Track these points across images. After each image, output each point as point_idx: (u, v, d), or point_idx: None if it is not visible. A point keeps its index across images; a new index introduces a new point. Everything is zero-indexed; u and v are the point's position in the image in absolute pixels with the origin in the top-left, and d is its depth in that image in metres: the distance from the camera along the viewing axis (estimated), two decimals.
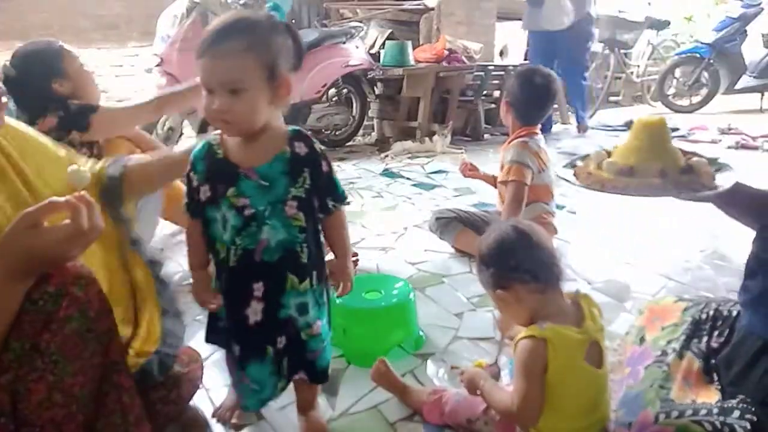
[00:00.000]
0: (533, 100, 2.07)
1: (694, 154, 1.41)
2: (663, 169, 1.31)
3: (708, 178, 1.32)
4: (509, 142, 2.09)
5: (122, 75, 4.81)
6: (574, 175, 1.41)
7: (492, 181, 2.27)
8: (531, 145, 2.04)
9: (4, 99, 0.97)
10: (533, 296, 1.08)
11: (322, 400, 1.36)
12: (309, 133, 1.07)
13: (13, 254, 0.79)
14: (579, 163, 1.48)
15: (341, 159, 4.08)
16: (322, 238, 1.12)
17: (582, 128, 4.86)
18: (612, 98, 6.45)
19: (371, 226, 2.60)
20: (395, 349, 1.53)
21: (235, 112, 0.96)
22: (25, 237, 0.79)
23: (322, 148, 1.07)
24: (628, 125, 5.03)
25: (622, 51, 5.77)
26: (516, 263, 1.08)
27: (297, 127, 1.06)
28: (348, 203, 1.12)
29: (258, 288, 1.05)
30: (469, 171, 2.27)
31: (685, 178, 1.31)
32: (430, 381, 1.44)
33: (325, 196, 1.08)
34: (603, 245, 2.28)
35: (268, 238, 1.02)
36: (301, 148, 1.03)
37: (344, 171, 3.69)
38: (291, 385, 1.17)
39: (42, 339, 0.80)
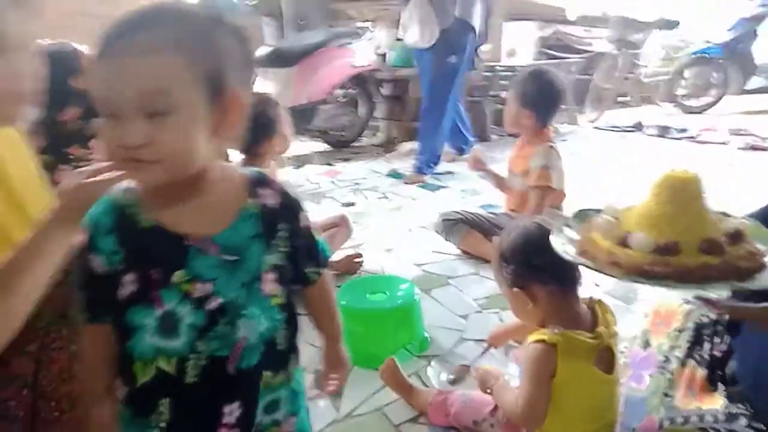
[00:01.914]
0: (553, 100, 2.07)
1: (725, 214, 1.06)
2: (710, 240, 0.93)
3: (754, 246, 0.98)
4: (531, 145, 2.08)
5: None
6: (584, 254, 1.01)
7: (498, 181, 2.25)
8: (556, 149, 2.05)
9: None
10: (550, 298, 1.07)
11: (326, 402, 1.36)
12: (272, 177, 0.77)
13: (71, 208, 0.77)
14: (570, 231, 1.07)
15: (347, 160, 4.07)
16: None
17: (416, 179, 3.39)
18: (621, 99, 6.40)
19: (376, 227, 2.59)
20: (400, 351, 1.53)
21: (159, 146, 0.62)
22: (80, 192, 0.77)
23: (297, 195, 0.78)
24: (637, 126, 5.01)
25: (631, 51, 5.73)
26: (539, 263, 1.07)
27: (256, 169, 0.77)
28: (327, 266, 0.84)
29: (231, 411, 0.72)
30: (478, 165, 2.24)
31: (742, 251, 0.92)
32: (434, 382, 1.44)
33: (305, 263, 0.79)
34: None
35: (246, 335, 0.71)
36: (270, 198, 0.74)
37: (350, 172, 3.69)
38: None
39: (70, 308, 0.80)
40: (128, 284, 0.68)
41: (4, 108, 0.80)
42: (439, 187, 3.28)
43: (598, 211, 1.04)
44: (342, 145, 4.46)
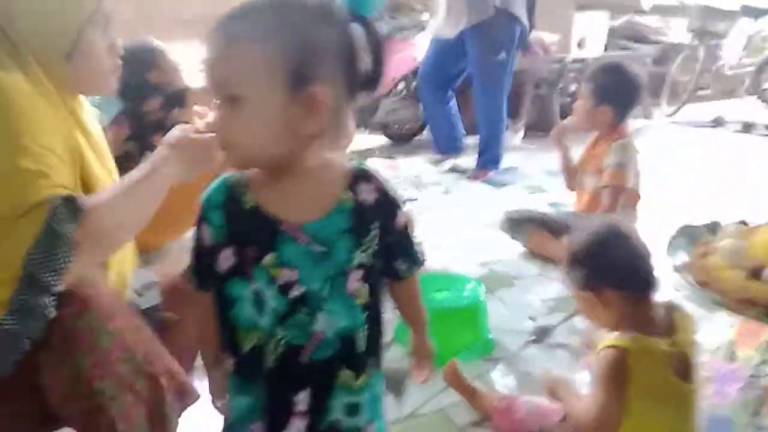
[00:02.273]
0: (633, 94, 1.97)
1: None
2: None
3: None
4: (605, 143, 1.97)
5: (191, 71, 5.03)
6: (704, 285, 0.92)
7: (569, 171, 2.14)
8: (633, 145, 1.95)
9: None
10: (623, 303, 1.02)
11: (389, 399, 1.35)
12: (377, 172, 0.77)
13: (175, 153, 0.93)
14: (682, 255, 1.01)
15: (408, 154, 4.05)
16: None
17: (480, 175, 3.27)
18: (700, 92, 6.02)
19: (439, 223, 2.56)
20: (464, 352, 1.50)
21: (231, 132, 0.67)
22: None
23: (397, 193, 0.78)
24: (718, 122, 4.71)
25: (712, 42, 5.37)
26: (613, 267, 1.02)
27: (362, 164, 0.77)
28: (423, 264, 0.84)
29: (302, 400, 0.74)
30: (560, 135, 2.11)
31: None
32: (499, 386, 1.40)
33: (396, 258, 0.79)
34: None
35: (324, 329, 0.72)
36: (368, 194, 0.73)
37: (411, 166, 3.66)
38: None
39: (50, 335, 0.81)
40: (228, 258, 0.73)
41: (107, 76, 0.91)
42: (503, 184, 3.20)
43: (712, 228, 0.95)
44: (403, 139, 4.44)
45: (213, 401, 0.85)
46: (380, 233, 0.75)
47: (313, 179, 0.73)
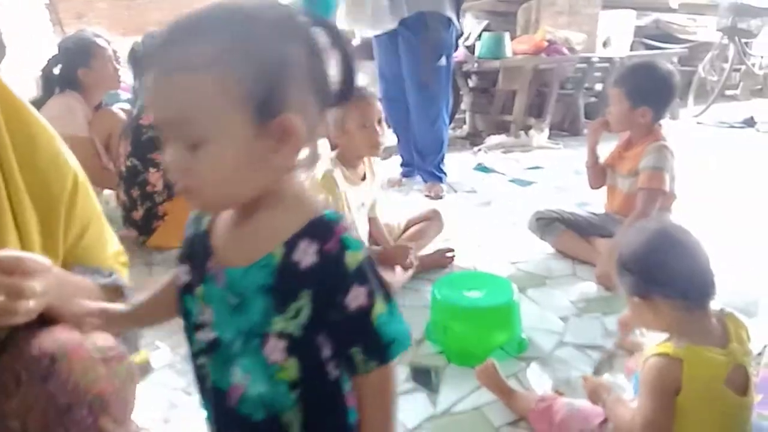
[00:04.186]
0: (670, 93, 1.92)
1: None
2: None
3: None
4: (640, 144, 1.93)
5: None
6: None
7: (595, 165, 2.10)
8: (670, 147, 1.89)
9: None
10: (675, 311, 0.98)
11: (422, 396, 1.35)
12: (344, 232, 0.59)
13: None
14: None
15: None
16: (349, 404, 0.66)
17: (435, 189, 2.99)
18: (729, 92, 5.90)
19: (466, 222, 2.54)
20: (497, 351, 1.48)
21: (192, 177, 0.56)
22: None
23: (360, 260, 0.59)
24: (749, 122, 4.62)
25: (743, 40, 5.25)
26: (665, 277, 0.98)
27: (329, 213, 0.60)
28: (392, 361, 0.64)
29: None
30: (602, 129, 2.04)
31: None
32: (534, 386, 1.39)
33: (350, 344, 0.61)
34: (727, 252, 2.09)
35: (244, 384, 0.63)
36: (306, 255, 0.58)
37: None
38: None
39: None
40: (184, 273, 0.68)
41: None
42: (529, 182, 3.17)
43: None
44: None
45: None
46: (315, 305, 0.59)
47: (264, 220, 0.61)
